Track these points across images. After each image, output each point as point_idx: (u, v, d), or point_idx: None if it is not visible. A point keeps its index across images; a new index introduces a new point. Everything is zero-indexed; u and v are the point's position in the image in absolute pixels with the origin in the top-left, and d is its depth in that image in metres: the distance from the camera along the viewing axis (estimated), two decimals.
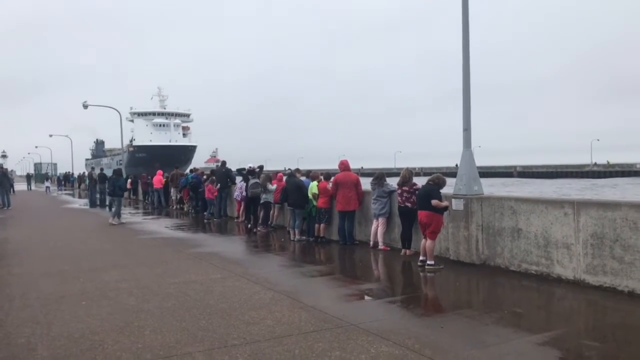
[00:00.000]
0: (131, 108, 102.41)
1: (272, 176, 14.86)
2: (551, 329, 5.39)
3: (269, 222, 14.58)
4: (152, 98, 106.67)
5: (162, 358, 4.69)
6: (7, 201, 24.96)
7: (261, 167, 16.22)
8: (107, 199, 21.84)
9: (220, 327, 5.56)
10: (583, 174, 79.17)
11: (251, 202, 14.66)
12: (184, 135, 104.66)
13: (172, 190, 23.64)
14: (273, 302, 6.54)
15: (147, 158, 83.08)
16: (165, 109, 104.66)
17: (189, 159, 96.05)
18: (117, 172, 18.58)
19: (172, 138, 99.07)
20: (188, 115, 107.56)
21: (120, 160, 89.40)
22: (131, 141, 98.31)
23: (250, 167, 15.38)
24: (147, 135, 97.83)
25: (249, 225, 14.69)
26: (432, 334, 5.24)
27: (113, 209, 17.59)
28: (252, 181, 14.30)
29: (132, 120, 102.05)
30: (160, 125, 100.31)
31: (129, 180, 25.76)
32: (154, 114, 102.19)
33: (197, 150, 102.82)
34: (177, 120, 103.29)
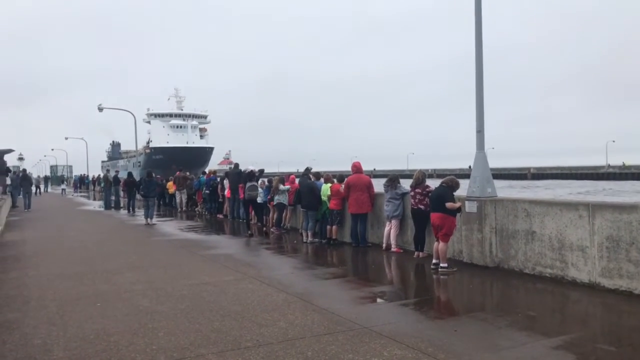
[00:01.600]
0: (148, 109, 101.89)
1: (284, 178, 14.92)
2: (566, 333, 5.34)
3: (282, 224, 14.64)
4: (169, 99, 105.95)
5: (175, 359, 4.72)
6: (28, 203, 25.15)
7: (261, 171, 16.22)
8: (123, 201, 21.84)
9: (234, 329, 5.59)
10: (598, 176, 78.33)
11: (250, 204, 14.73)
12: (201, 136, 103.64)
13: (177, 193, 23.54)
14: (286, 305, 6.56)
15: (164, 160, 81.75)
16: (182, 110, 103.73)
17: (206, 161, 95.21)
18: (149, 174, 18.97)
19: (189, 140, 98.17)
20: (205, 117, 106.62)
21: (138, 162, 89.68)
22: (148, 143, 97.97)
23: (250, 169, 15.39)
24: (164, 137, 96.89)
25: (250, 225, 14.72)
26: (445, 337, 5.22)
27: (147, 210, 17.81)
28: (249, 184, 14.34)
29: (148, 122, 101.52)
30: (177, 127, 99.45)
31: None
32: (171, 115, 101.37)
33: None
34: (195, 122, 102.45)
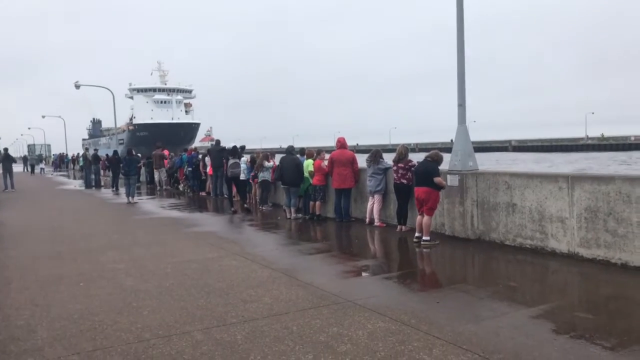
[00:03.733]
0: (130, 84, 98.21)
1: (268, 155, 14.86)
2: (545, 302, 5.46)
3: (267, 202, 14.64)
4: (151, 73, 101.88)
5: (161, 337, 4.73)
6: (11, 183, 24.58)
7: (242, 147, 16.10)
8: (104, 180, 21.62)
9: (219, 305, 5.61)
10: (577, 148, 79.42)
11: (232, 181, 14.68)
12: (187, 112, 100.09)
13: (155, 171, 23.19)
14: (270, 280, 6.59)
15: (148, 137, 78.10)
16: (166, 84, 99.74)
17: (192, 137, 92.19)
18: (129, 152, 18.76)
19: (174, 115, 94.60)
20: (190, 92, 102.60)
21: (121, 139, 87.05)
22: (131, 119, 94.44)
23: (233, 146, 15.28)
24: (148, 113, 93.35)
25: (233, 202, 14.72)
26: (428, 309, 5.31)
27: (129, 189, 17.56)
28: (231, 161, 14.26)
29: (131, 97, 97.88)
30: (161, 102, 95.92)
31: (142, 162, 23.47)
32: (154, 90, 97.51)
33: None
34: (179, 97, 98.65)
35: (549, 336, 4.52)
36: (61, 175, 42.79)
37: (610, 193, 6.77)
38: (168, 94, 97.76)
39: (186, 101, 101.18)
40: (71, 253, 8.86)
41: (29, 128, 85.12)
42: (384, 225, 10.58)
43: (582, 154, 70.48)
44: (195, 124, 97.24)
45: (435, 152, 9.04)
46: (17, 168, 50.08)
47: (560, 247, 7.43)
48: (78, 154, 49.94)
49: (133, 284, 6.64)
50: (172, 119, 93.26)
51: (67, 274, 7.31)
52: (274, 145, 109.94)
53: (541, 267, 7.09)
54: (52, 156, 70.88)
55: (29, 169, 46.43)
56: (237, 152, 14.57)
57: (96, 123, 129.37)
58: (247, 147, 17.73)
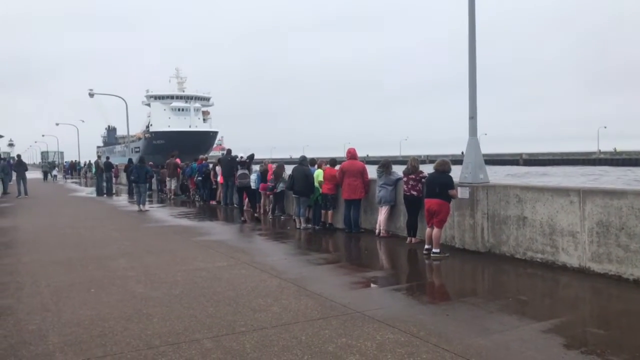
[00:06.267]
0: (147, 91, 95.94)
1: (283, 166, 14.94)
2: (556, 317, 5.42)
3: (266, 209, 14.71)
4: (169, 80, 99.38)
5: (170, 344, 4.76)
6: (25, 189, 24.71)
7: (251, 157, 16.16)
8: (115, 187, 21.78)
9: (228, 314, 5.63)
10: (589, 162, 78.79)
11: (243, 190, 14.74)
12: (204, 120, 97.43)
13: (168, 180, 23.26)
14: (279, 290, 6.61)
15: (165, 145, 74.94)
16: (184, 91, 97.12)
17: (210, 146, 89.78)
18: (141, 160, 19.06)
19: (192, 123, 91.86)
20: (208, 99, 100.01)
21: (137, 147, 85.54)
22: (148, 127, 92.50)
23: (240, 157, 15.35)
24: (165, 121, 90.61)
25: (243, 211, 14.74)
26: (437, 322, 5.29)
27: (139, 197, 17.74)
28: (240, 171, 14.33)
29: (148, 104, 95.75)
30: (179, 110, 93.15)
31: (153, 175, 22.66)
32: (172, 97, 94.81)
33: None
34: (197, 104, 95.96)
35: (559, 351, 4.49)
36: (73, 182, 43.15)
37: (622, 208, 6.73)
38: (186, 101, 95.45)
39: (204, 109, 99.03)
40: (82, 260, 8.93)
41: (43, 135, 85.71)
42: (389, 235, 10.57)
43: (593, 167, 69.94)
44: (212, 132, 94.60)
45: (442, 161, 8.92)
46: (35, 175, 50.80)
47: (571, 262, 7.38)
48: (89, 161, 50.31)
49: (143, 291, 6.68)
50: (190, 126, 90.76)
51: (78, 280, 7.37)
52: (284, 155, 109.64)
53: (552, 281, 7.04)
54: (65, 163, 71.45)
55: (42, 176, 46.91)
56: (245, 162, 14.66)
57: (111, 130, 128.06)
58: (257, 157, 17.75)
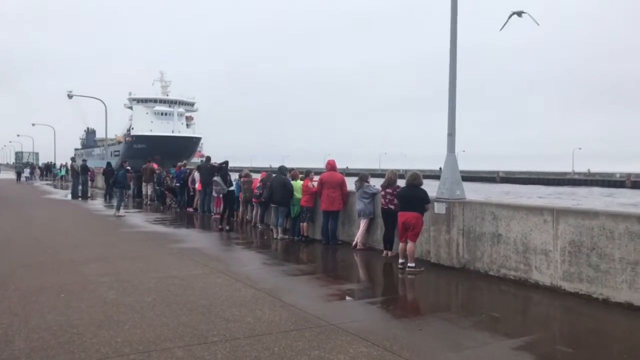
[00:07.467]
0: (130, 94, 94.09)
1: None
2: (527, 334, 5.48)
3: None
4: (153, 84, 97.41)
5: (140, 352, 4.68)
6: None
7: (226, 163, 15.93)
8: (91, 190, 21.50)
9: (201, 323, 5.57)
10: (564, 182, 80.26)
11: (222, 198, 14.63)
12: (188, 125, 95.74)
13: (144, 185, 23.01)
14: (254, 300, 6.56)
15: (147, 149, 72.86)
16: (167, 95, 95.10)
17: (193, 152, 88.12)
18: (122, 165, 19.24)
19: (175, 128, 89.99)
20: (192, 104, 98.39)
21: (117, 151, 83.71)
22: (129, 130, 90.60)
23: (215, 163, 15.17)
24: (147, 124, 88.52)
25: (221, 219, 14.61)
26: (410, 336, 5.31)
27: (120, 201, 17.53)
28: (214, 179, 14.23)
29: (130, 107, 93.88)
30: (162, 114, 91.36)
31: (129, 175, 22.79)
32: (155, 101, 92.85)
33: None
34: (181, 109, 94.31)
35: None
36: (47, 184, 42.37)
37: (594, 228, 6.86)
38: (169, 106, 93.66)
39: (188, 114, 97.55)
40: (54, 264, 8.76)
41: (18, 135, 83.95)
42: (366, 248, 10.61)
43: (567, 187, 71.28)
44: (196, 138, 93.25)
45: (414, 174, 8.98)
46: (8, 175, 49.67)
47: (543, 280, 7.48)
48: (62, 163, 49.33)
49: (115, 298, 6.57)
50: (173, 131, 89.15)
51: (48, 285, 7.22)
52: (264, 164, 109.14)
53: (524, 298, 7.13)
54: (39, 165, 70.09)
55: (15, 176, 45.98)
56: (219, 169, 14.49)
57: (90, 133, 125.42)
58: (236, 166, 17.64)
